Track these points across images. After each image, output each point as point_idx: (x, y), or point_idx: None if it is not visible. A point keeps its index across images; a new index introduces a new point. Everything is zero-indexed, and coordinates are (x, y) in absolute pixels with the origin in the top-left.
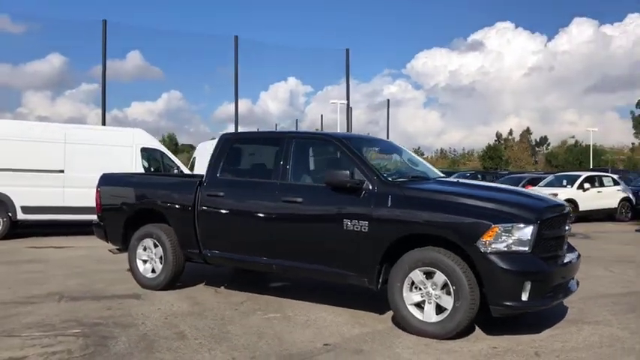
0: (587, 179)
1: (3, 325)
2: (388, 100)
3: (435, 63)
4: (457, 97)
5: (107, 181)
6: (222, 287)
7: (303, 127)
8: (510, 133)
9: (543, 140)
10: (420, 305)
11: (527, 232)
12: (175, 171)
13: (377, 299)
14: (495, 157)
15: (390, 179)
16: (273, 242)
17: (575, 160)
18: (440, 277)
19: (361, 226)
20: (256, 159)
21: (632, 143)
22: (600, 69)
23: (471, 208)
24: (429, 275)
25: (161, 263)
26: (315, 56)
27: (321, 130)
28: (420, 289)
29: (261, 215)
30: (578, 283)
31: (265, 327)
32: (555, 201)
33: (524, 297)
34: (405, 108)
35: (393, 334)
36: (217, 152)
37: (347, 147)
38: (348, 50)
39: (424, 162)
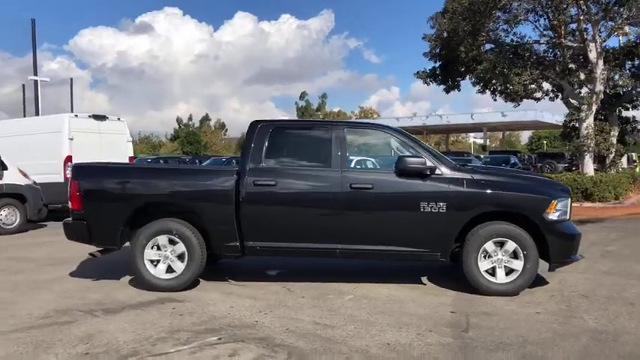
0: None
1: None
2: (71, 79)
3: (102, 42)
4: (126, 79)
5: (92, 172)
6: (239, 281)
7: None
8: (190, 118)
9: (222, 126)
10: (488, 271)
11: (567, 204)
12: None
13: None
14: (194, 142)
15: (455, 165)
16: (339, 228)
17: None
18: (511, 245)
19: (439, 207)
20: (303, 148)
21: None
22: (259, 62)
23: (533, 188)
24: (499, 245)
25: (182, 261)
26: None
27: None
28: (491, 257)
29: (326, 203)
30: None
31: (359, 308)
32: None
33: (573, 253)
34: (69, 88)
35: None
36: (254, 140)
37: (406, 137)
38: (33, 20)
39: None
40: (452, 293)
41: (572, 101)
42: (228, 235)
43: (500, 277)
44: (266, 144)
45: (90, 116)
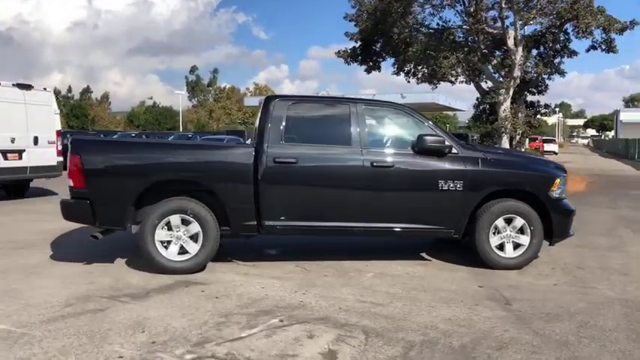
0: None
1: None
2: None
3: None
4: None
5: (97, 146)
6: (258, 262)
7: None
8: (70, 90)
9: (106, 98)
10: (497, 247)
11: (565, 181)
12: None
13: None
14: (81, 116)
15: (465, 145)
16: (359, 206)
17: (155, 120)
18: (519, 222)
19: (456, 185)
20: (322, 125)
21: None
22: (142, 32)
23: (538, 167)
24: (507, 221)
25: (195, 242)
26: None
27: None
28: (500, 232)
29: (347, 181)
30: None
31: (389, 285)
32: None
33: (570, 229)
34: None
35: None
36: (271, 116)
37: (421, 115)
38: None
39: None
40: (463, 268)
41: (490, 85)
42: (246, 214)
43: (509, 252)
44: (284, 120)
45: (14, 85)
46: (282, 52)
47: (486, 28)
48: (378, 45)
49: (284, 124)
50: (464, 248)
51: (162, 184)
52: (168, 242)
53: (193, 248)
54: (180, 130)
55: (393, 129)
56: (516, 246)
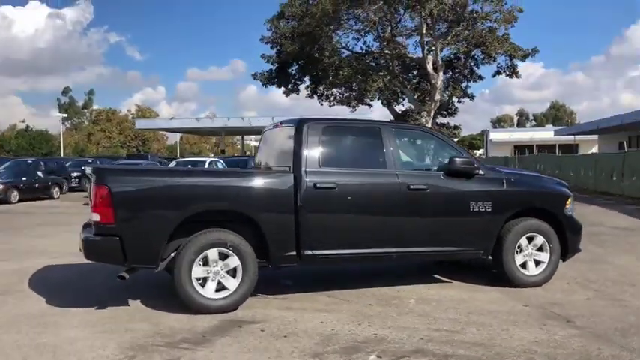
0: None
1: None
2: None
3: None
4: None
5: (127, 175)
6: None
7: None
8: None
9: None
10: (521, 265)
11: (572, 200)
12: None
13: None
14: None
15: (487, 166)
16: (395, 231)
17: (29, 145)
18: (539, 240)
19: (485, 206)
20: (356, 148)
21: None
22: (1, 51)
23: (554, 186)
24: (529, 239)
25: (233, 277)
26: None
27: None
28: (522, 251)
29: (385, 206)
30: None
31: (442, 311)
32: None
33: (579, 244)
34: None
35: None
36: (307, 140)
37: (447, 138)
38: None
39: None
40: (490, 288)
41: (405, 108)
42: (287, 244)
43: (532, 270)
44: (320, 144)
45: None
46: (157, 73)
47: (407, 54)
48: (294, 68)
49: (320, 148)
50: (462, 267)
51: (201, 215)
52: (204, 279)
53: (232, 284)
54: (62, 154)
55: (423, 151)
56: (537, 263)
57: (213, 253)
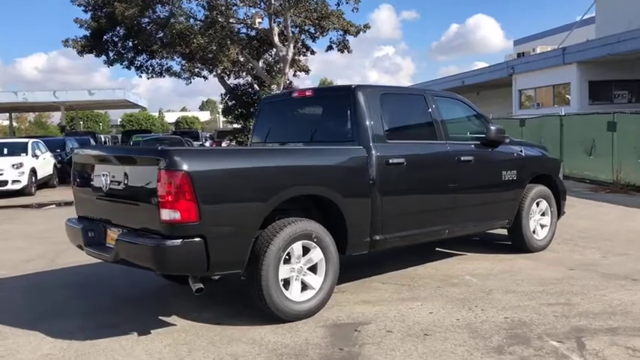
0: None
1: None
2: None
3: None
4: None
5: (209, 157)
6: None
7: None
8: None
9: None
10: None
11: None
12: None
13: None
14: None
15: None
16: (451, 207)
17: None
18: (544, 205)
19: (512, 175)
20: (409, 118)
21: None
22: None
23: (550, 154)
24: (536, 205)
25: (316, 274)
26: None
27: None
28: (532, 217)
29: (446, 180)
30: None
31: (504, 292)
32: None
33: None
34: None
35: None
36: (369, 109)
37: (475, 108)
38: None
39: None
40: (513, 255)
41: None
42: (364, 230)
43: (541, 234)
44: (381, 114)
45: None
46: None
47: (255, 26)
48: (114, 33)
49: (382, 118)
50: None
51: (288, 201)
52: (286, 280)
53: (316, 282)
54: None
55: (459, 120)
56: (541, 227)
57: (297, 248)
